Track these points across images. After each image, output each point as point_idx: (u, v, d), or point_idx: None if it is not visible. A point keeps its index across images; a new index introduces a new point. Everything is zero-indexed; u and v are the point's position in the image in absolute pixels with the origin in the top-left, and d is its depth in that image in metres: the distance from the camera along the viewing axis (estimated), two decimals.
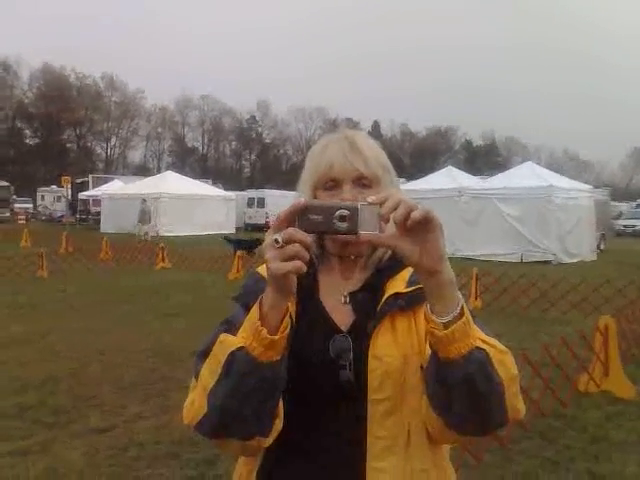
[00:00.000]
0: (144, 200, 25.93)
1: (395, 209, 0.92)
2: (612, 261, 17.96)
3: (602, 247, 21.72)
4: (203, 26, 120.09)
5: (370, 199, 0.94)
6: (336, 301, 1.22)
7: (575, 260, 17.83)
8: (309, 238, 0.94)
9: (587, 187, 21.15)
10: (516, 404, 1.05)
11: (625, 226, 34.52)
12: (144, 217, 24.35)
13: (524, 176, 19.12)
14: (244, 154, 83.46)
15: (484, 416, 1.03)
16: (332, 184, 1.20)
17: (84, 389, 5.30)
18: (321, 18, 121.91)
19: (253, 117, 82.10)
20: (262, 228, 32.50)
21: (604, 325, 5.40)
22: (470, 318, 0.99)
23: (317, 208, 0.95)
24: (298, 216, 0.95)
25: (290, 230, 0.94)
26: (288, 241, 0.93)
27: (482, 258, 16.74)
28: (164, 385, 5.43)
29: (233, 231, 30.84)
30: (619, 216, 36.42)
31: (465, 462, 3.54)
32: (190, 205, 28.84)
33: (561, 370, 5.06)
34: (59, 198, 43.47)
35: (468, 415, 1.02)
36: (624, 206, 41.85)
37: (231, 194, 33.51)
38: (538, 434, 4.31)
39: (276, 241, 0.93)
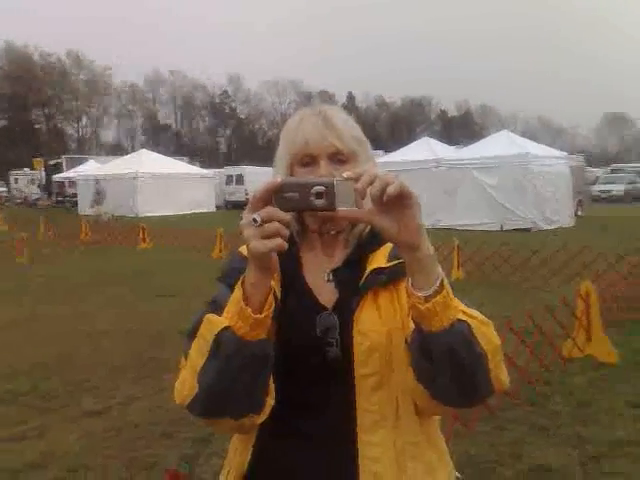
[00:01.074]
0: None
1: (371, 184, 0.92)
2: (590, 227, 18.23)
3: (580, 213, 22.03)
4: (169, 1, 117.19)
5: (346, 174, 0.94)
6: (319, 279, 1.22)
7: (554, 227, 18.07)
8: (288, 215, 0.95)
9: (563, 154, 21.33)
10: (500, 374, 1.07)
11: (601, 191, 34.94)
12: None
13: (500, 145, 19.22)
14: (219, 130, 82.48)
15: (468, 387, 1.05)
16: (308, 160, 1.19)
17: (75, 373, 5.29)
18: None
19: (225, 92, 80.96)
20: (242, 205, 32.32)
21: (585, 291, 5.49)
22: (450, 291, 1.00)
23: (293, 185, 0.95)
24: (274, 194, 0.95)
25: (268, 208, 0.94)
26: (267, 219, 0.93)
27: (462, 228, 16.85)
28: (155, 366, 5.44)
29: (214, 209, 30.63)
30: (595, 182, 36.86)
31: (456, 431, 3.62)
32: (168, 184, 28.37)
33: (545, 337, 5.16)
34: (33, 181, 42.66)
35: (453, 386, 1.04)
36: (599, 171, 42.32)
37: (210, 172, 33.13)
38: (526, 401, 4.41)
39: (254, 220, 0.93)
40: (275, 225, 0.93)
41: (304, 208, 0.96)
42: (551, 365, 5.06)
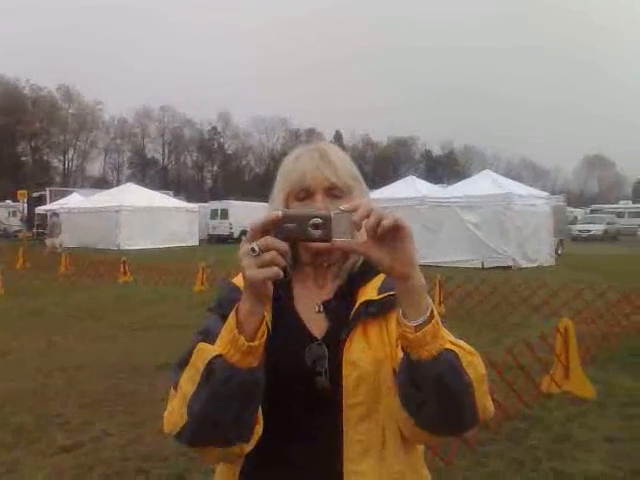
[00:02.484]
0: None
1: (367, 217, 0.96)
2: (569, 265, 18.46)
3: (560, 252, 22.31)
4: (161, 36, 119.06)
5: (343, 207, 0.98)
6: (310, 310, 1.24)
7: (534, 265, 18.29)
8: (285, 245, 0.97)
9: (544, 194, 21.75)
10: (485, 403, 1.09)
11: (580, 231, 35.59)
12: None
13: (483, 184, 19.59)
14: (206, 165, 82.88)
15: (456, 416, 1.06)
16: (304, 194, 1.23)
17: (48, 407, 5.16)
18: (281, 28, 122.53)
19: (214, 128, 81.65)
20: (226, 239, 32.33)
21: (564, 327, 5.55)
22: (439, 321, 1.03)
23: (291, 217, 0.98)
24: (273, 225, 0.97)
25: (266, 238, 0.96)
26: (264, 249, 0.96)
27: (445, 265, 16.97)
28: (130, 400, 5.33)
29: (197, 243, 30.59)
30: (574, 221, 37.51)
31: (435, 466, 3.59)
32: (152, 217, 28.45)
33: (524, 372, 5.18)
34: (14, 213, 42.33)
35: (440, 415, 1.05)
36: (579, 212, 43.13)
37: (194, 206, 33.22)
38: (505, 435, 4.40)
39: (253, 250, 0.96)
40: (272, 254, 0.96)
41: (301, 238, 0.99)
42: (530, 400, 5.06)
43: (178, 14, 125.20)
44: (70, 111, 72.18)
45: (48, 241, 24.26)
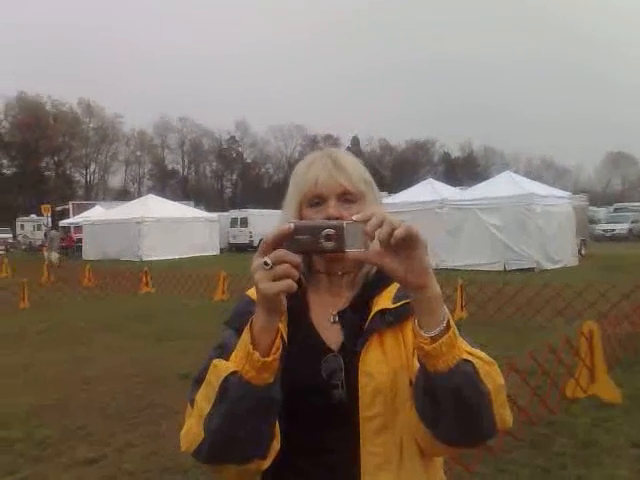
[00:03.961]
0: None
1: (379, 227, 0.94)
2: (593, 265, 18.16)
3: (583, 252, 21.98)
4: (178, 49, 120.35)
5: (355, 217, 0.96)
6: (325, 320, 1.23)
7: (557, 266, 18.02)
8: (298, 258, 0.96)
9: (566, 194, 21.44)
10: (503, 414, 1.07)
11: (604, 230, 35.00)
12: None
13: (503, 185, 19.37)
14: (225, 174, 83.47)
15: (473, 427, 1.04)
16: (317, 200, 1.22)
17: (71, 420, 5.22)
18: (297, 36, 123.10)
19: (233, 137, 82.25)
20: (246, 248, 32.49)
21: (588, 330, 5.44)
22: (456, 331, 1.01)
23: (304, 228, 0.97)
24: (285, 238, 0.96)
25: (279, 251, 0.95)
26: (277, 262, 0.95)
27: (466, 268, 16.83)
28: (152, 412, 5.37)
29: (218, 252, 30.79)
30: (596, 221, 36.90)
31: (457, 473, 3.54)
32: (173, 228, 28.74)
33: (548, 377, 5.08)
34: (39, 227, 43.06)
35: (456, 426, 1.03)
36: (602, 211, 42.41)
37: (214, 215, 33.48)
38: (528, 442, 4.32)
39: (265, 263, 0.95)
40: (285, 267, 0.95)
41: (314, 250, 0.98)
42: (554, 405, 4.97)
43: (193, 25, 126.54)
44: (91, 125, 73.36)
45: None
